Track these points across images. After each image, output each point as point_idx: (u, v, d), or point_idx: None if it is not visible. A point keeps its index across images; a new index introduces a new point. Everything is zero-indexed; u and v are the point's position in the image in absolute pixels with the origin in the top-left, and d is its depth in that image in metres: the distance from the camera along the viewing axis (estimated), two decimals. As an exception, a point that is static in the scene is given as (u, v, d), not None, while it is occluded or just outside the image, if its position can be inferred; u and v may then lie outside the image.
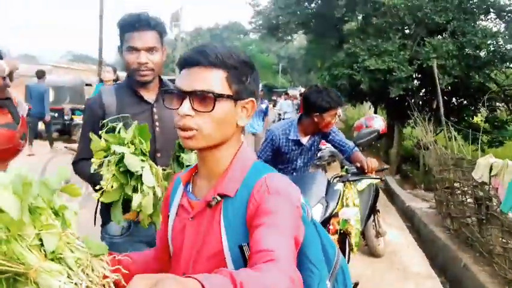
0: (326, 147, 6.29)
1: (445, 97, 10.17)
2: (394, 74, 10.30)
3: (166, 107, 1.27)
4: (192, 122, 1.18)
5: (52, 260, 0.98)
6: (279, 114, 17.40)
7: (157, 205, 1.69)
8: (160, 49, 2.16)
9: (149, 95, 2.22)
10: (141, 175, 1.65)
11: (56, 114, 15.00)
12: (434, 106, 11.11)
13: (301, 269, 1.17)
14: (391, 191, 8.84)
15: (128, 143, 1.71)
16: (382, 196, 8.20)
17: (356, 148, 3.54)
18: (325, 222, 3.19)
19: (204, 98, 1.17)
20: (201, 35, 58.28)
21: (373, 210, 4.54)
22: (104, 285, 1.03)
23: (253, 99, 1.26)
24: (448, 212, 5.79)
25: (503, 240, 4.18)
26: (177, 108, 1.19)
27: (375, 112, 15.36)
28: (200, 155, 1.28)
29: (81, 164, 2.18)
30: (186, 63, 1.21)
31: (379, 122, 7.58)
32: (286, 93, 20.92)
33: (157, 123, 2.19)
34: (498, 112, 12.12)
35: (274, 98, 31.90)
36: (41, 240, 0.98)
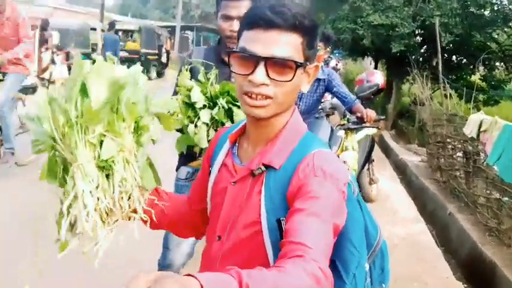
0: (327, 100, 6.57)
1: (445, 55, 10.32)
2: (397, 30, 10.37)
3: (232, 71, 1.15)
4: (268, 90, 1.09)
5: (103, 167, 1.02)
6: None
7: None
8: None
9: None
10: (199, 109, 1.84)
11: (61, 58, 15.06)
12: (434, 63, 11.25)
13: (341, 249, 1.15)
14: (386, 145, 9.16)
15: (204, 85, 1.89)
16: (377, 149, 8.52)
17: (357, 100, 3.86)
18: None
19: (283, 66, 1.08)
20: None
21: (368, 159, 4.90)
22: (127, 215, 1.09)
23: (318, 64, 1.19)
24: (439, 165, 6.14)
25: (487, 191, 4.49)
26: (249, 74, 1.09)
27: (375, 67, 15.45)
28: (254, 122, 1.19)
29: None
30: (260, 23, 1.08)
31: (379, 77, 7.78)
32: None
33: None
34: (496, 72, 12.24)
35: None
36: (102, 142, 1.03)
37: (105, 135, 1.03)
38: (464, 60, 12.16)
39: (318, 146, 1.17)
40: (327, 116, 4.74)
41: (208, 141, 1.86)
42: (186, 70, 2.02)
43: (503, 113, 10.00)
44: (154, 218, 1.18)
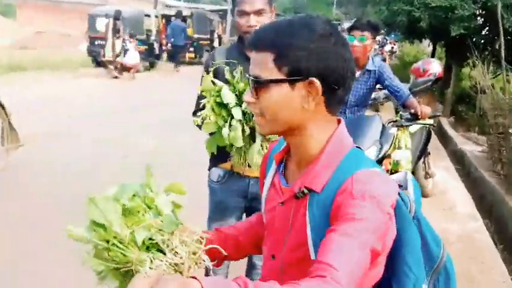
0: (381, 88, 6.39)
1: (508, 37, 9.75)
2: (456, 12, 9.89)
3: None
4: (256, 107, 1.17)
5: (148, 247, 1.06)
6: None
7: (247, 145, 1.94)
8: (269, 10, 2.26)
9: None
10: (232, 108, 1.86)
11: (116, 44, 15.55)
12: (497, 46, 10.68)
13: (396, 270, 1.15)
14: (444, 133, 8.82)
15: (232, 84, 1.92)
16: (433, 137, 8.22)
17: (411, 95, 3.70)
18: (378, 163, 3.43)
19: (262, 84, 1.13)
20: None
21: (423, 152, 4.72)
22: (195, 260, 1.08)
23: (315, 79, 1.10)
24: (500, 157, 5.83)
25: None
26: None
27: (433, 50, 14.88)
28: (286, 140, 1.26)
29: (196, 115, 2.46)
30: (249, 45, 1.20)
31: (436, 67, 7.50)
32: None
33: None
34: None
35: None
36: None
37: (132, 232, 1.09)
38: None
39: (362, 165, 1.13)
40: (381, 104, 4.58)
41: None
42: (208, 73, 2.07)
43: None
44: (224, 253, 1.23)
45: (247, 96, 1.17)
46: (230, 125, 1.90)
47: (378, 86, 3.86)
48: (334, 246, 0.97)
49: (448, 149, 7.89)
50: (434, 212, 4.82)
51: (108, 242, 1.05)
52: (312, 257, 1.12)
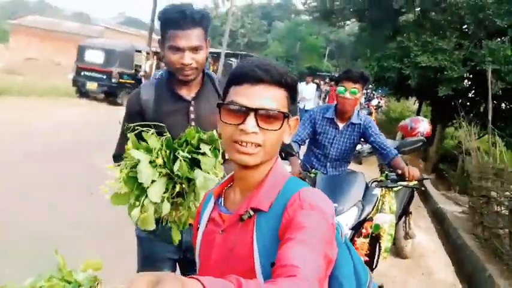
0: (365, 144, 6.31)
1: (494, 101, 9.89)
2: (445, 73, 10.04)
3: (223, 122, 1.23)
4: (258, 138, 1.18)
5: None
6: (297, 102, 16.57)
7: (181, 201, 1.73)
8: (205, 45, 2.05)
9: (188, 92, 2.15)
10: (147, 187, 1.63)
11: (105, 77, 15.63)
12: (482, 109, 10.81)
13: None
14: (425, 191, 8.73)
15: (155, 152, 1.67)
16: (414, 195, 8.13)
17: (398, 155, 3.53)
18: (359, 226, 3.21)
19: (272, 117, 1.18)
20: (252, 11, 57.85)
21: (405, 212, 4.54)
22: None
23: (297, 117, 1.29)
24: (481, 221, 5.71)
25: (534, 256, 4.13)
26: (239, 124, 1.18)
27: (419, 108, 15.07)
28: (241, 170, 1.27)
29: (119, 159, 2.17)
30: (249, 78, 1.20)
31: (425, 126, 7.48)
32: (310, 75, 17.09)
33: (193, 122, 2.11)
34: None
35: (316, 81, 31.63)
36: None
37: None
38: (514, 108, 11.65)
39: (304, 185, 1.25)
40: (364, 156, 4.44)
41: (157, 221, 1.71)
42: (131, 117, 1.96)
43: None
44: None
45: (253, 126, 1.17)
46: (142, 205, 1.65)
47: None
48: (293, 251, 1.02)
49: (428, 208, 7.78)
50: (413, 277, 4.64)
51: None
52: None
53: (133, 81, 17.33)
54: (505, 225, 4.98)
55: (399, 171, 3.42)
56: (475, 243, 5.48)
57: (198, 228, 1.38)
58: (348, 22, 17.50)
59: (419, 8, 13.25)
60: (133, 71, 17.57)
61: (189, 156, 1.70)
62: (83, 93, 16.21)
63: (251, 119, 1.17)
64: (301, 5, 18.46)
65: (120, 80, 16.10)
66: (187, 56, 1.99)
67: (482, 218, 5.70)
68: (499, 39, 10.58)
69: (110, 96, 16.23)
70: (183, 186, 1.72)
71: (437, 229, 6.52)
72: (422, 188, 4.20)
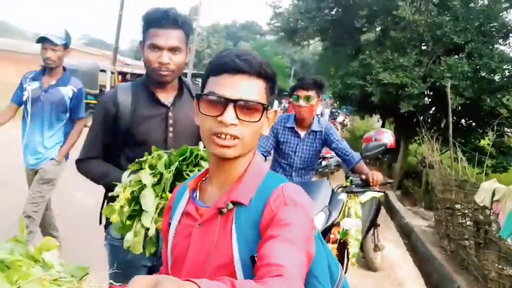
0: (333, 156, 6.33)
1: (454, 117, 10.16)
2: (406, 89, 10.29)
3: (202, 113, 1.20)
4: (237, 130, 1.16)
5: None
6: None
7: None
8: (184, 50, 2.04)
9: (166, 97, 2.12)
10: (143, 214, 1.61)
11: (69, 97, 15.25)
12: (443, 125, 11.09)
13: (307, 285, 1.17)
14: (391, 206, 8.83)
15: (157, 175, 1.65)
16: (381, 210, 8.20)
17: (362, 160, 3.56)
18: (327, 231, 3.21)
19: (251, 108, 1.17)
20: (218, 31, 58.28)
21: (373, 224, 4.56)
22: None
23: (276, 109, 1.27)
24: (447, 233, 5.80)
25: (499, 266, 4.19)
26: (218, 115, 1.16)
27: (383, 125, 15.37)
28: (219, 163, 1.25)
29: (88, 163, 2.12)
30: (228, 69, 1.17)
31: (388, 137, 7.62)
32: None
33: (171, 128, 2.09)
34: (506, 138, 12.07)
35: (283, 101, 31.95)
36: None
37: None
38: (474, 124, 12.02)
39: (284, 180, 1.25)
40: (332, 173, 4.45)
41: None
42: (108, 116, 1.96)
43: (511, 180, 9.72)
44: None
45: (231, 118, 1.14)
46: (136, 228, 1.63)
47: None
48: (277, 251, 1.02)
49: (395, 222, 7.86)
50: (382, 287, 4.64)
51: None
52: (239, 275, 1.13)
53: (98, 102, 16.97)
54: (470, 237, 5.05)
55: (363, 177, 3.48)
56: (443, 255, 5.55)
57: (170, 223, 1.34)
58: (311, 41, 17.81)
59: (380, 28, 13.64)
60: (98, 91, 17.22)
61: (171, 178, 1.67)
62: None
63: (230, 111, 1.15)
64: (266, 25, 18.72)
65: (85, 101, 15.78)
66: (165, 56, 1.97)
67: (448, 231, 5.78)
68: (456, 56, 10.95)
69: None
70: None
71: (405, 243, 6.57)
72: (386, 192, 4.22)
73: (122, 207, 1.64)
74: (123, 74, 20.24)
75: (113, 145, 2.09)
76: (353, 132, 21.45)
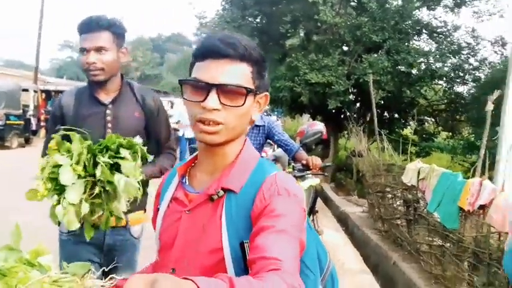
0: (269, 153, 6.58)
1: (378, 110, 10.76)
2: (332, 87, 10.79)
3: (185, 99, 1.18)
4: (219, 116, 1.13)
5: None
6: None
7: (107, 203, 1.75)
8: (114, 49, 2.16)
9: (106, 97, 2.23)
10: (67, 188, 1.66)
11: (-10, 119, 14.53)
12: (368, 118, 11.71)
13: None
14: (326, 197, 9.22)
15: (75, 156, 1.70)
16: (318, 201, 8.55)
17: (301, 148, 3.86)
18: None
19: (234, 93, 1.13)
20: (143, 44, 57.45)
21: (312, 210, 4.84)
22: None
23: (267, 93, 1.26)
24: (380, 215, 6.17)
25: (429, 238, 4.53)
26: (201, 101, 1.12)
27: (313, 124, 15.86)
28: (207, 148, 1.22)
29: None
30: (211, 54, 1.14)
31: (321, 127, 7.96)
32: None
33: (109, 125, 2.20)
34: (426, 125, 12.91)
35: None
36: None
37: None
38: (396, 115, 12.77)
39: (275, 169, 1.23)
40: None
41: (81, 221, 1.71)
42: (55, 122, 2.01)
43: (434, 163, 10.40)
44: None
45: (214, 103, 1.11)
46: (63, 205, 1.68)
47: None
48: (272, 243, 1.01)
49: (332, 211, 8.24)
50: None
51: None
52: (228, 260, 1.12)
53: (22, 122, 16.32)
54: (401, 215, 5.42)
55: (304, 162, 3.80)
56: (378, 236, 5.91)
57: (159, 208, 1.33)
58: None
59: (303, 32, 14.13)
60: (21, 111, 16.52)
61: (110, 162, 1.73)
62: None
63: (213, 96, 1.12)
64: (192, 36, 18.70)
65: (7, 122, 15.08)
66: (92, 56, 2.10)
67: (380, 212, 6.16)
68: (376, 54, 11.62)
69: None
70: (104, 188, 1.74)
71: (343, 229, 6.91)
72: (326, 174, 4.46)
73: (45, 184, 1.68)
74: (47, 92, 19.60)
75: None
76: (285, 132, 21.91)
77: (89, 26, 2.10)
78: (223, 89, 1.12)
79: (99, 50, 2.11)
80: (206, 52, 1.15)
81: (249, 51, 1.15)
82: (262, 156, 4.08)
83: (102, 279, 1.06)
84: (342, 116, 11.29)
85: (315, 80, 10.86)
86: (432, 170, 4.37)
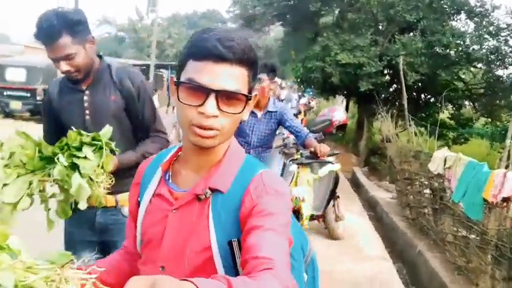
0: (290, 136, 6.58)
1: (413, 93, 10.53)
2: (364, 68, 10.57)
3: (181, 102, 1.12)
4: (217, 122, 1.10)
5: None
6: None
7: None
8: (80, 48, 2.09)
9: (83, 83, 2.21)
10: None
11: (29, 95, 14.92)
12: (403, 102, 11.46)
13: None
14: (358, 182, 9.15)
15: (6, 156, 1.70)
16: (348, 186, 8.49)
17: (310, 134, 3.90)
18: None
19: (233, 99, 1.11)
20: (178, 21, 57.61)
21: (333, 195, 4.83)
22: None
23: (256, 93, 1.24)
24: (407, 202, 6.09)
25: (454, 229, 4.45)
26: (199, 106, 1.09)
27: (347, 105, 15.67)
28: (196, 149, 1.19)
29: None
30: (210, 55, 1.08)
31: (339, 114, 7.91)
32: None
33: (87, 111, 2.19)
34: (464, 110, 12.49)
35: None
36: None
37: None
38: (432, 98, 12.41)
39: (262, 167, 1.23)
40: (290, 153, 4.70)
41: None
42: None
43: (472, 150, 10.12)
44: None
45: (213, 109, 1.07)
46: None
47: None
48: (263, 242, 1.02)
49: (361, 196, 8.16)
50: (344, 254, 4.88)
51: None
52: (216, 259, 1.13)
53: None
54: (428, 204, 5.32)
55: (312, 149, 3.80)
56: (405, 223, 5.84)
57: (139, 201, 1.31)
58: (271, 27, 17.90)
59: (337, 10, 13.85)
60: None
61: (65, 164, 1.70)
62: (7, 113, 15.41)
63: (212, 101, 1.08)
64: (225, 14, 18.68)
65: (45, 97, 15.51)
66: (63, 65, 2.07)
67: (408, 200, 6.08)
68: (410, 34, 11.29)
69: (36, 114, 15.54)
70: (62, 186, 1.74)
71: (370, 215, 6.86)
72: (333, 162, 4.48)
73: None
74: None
75: (58, 132, 2.17)
76: (318, 113, 21.73)
77: (45, 37, 2.01)
78: (222, 95, 1.08)
79: (66, 58, 2.06)
80: (205, 53, 1.09)
81: (247, 54, 1.11)
82: (284, 138, 4.10)
83: (99, 258, 1.07)
84: (376, 98, 11.07)
85: (346, 61, 10.67)
86: (458, 159, 4.27)
